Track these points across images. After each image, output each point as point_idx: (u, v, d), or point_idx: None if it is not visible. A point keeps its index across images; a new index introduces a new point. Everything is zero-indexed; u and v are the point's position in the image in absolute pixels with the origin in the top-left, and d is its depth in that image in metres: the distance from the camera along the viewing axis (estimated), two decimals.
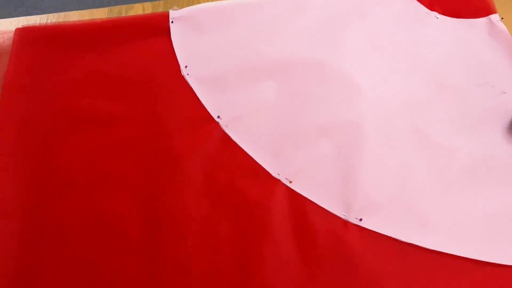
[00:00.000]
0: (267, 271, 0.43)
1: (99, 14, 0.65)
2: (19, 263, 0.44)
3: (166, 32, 0.61)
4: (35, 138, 0.52)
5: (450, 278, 0.42)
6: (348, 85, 0.55)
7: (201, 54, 0.59)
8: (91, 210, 0.47)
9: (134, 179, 0.49)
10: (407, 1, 0.63)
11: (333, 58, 0.58)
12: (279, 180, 0.49)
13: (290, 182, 0.49)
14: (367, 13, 0.62)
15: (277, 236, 0.45)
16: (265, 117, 0.54)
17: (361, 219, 0.46)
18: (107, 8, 0.65)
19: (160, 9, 0.65)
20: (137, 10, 0.65)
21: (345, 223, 0.46)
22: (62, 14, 0.65)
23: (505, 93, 0.54)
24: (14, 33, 0.61)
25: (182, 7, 0.64)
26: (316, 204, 0.47)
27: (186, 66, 0.58)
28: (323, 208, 0.47)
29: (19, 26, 0.63)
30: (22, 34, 0.61)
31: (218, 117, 0.54)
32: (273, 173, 0.49)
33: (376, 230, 0.45)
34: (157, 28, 0.61)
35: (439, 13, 0.62)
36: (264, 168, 0.50)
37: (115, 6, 0.66)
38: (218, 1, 0.64)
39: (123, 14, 0.65)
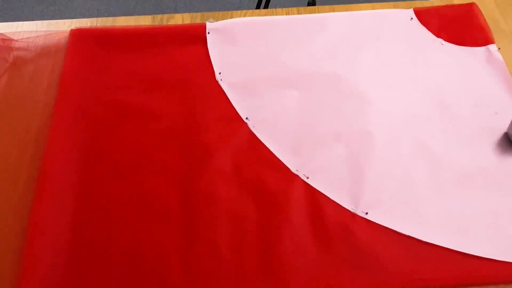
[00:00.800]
0: (285, 250, 0.51)
1: (143, 21, 0.73)
2: (74, 236, 0.52)
3: (203, 41, 0.69)
4: (88, 126, 0.60)
5: (439, 265, 0.50)
6: (360, 98, 0.64)
7: (233, 62, 0.67)
8: (136, 190, 0.55)
9: (173, 166, 0.57)
10: (417, 28, 0.72)
11: (348, 73, 0.66)
12: (297, 176, 0.57)
13: (307, 177, 0.56)
14: (381, 36, 0.70)
15: (294, 222, 0.53)
16: (287, 121, 0.61)
17: (367, 213, 0.53)
18: (151, 16, 0.74)
19: (197, 20, 0.73)
20: (177, 19, 0.74)
21: (353, 215, 0.53)
22: (110, 18, 0.74)
23: (497, 113, 0.62)
24: (69, 33, 0.70)
25: (217, 19, 0.72)
26: (328, 197, 0.55)
27: (220, 73, 0.66)
28: (334, 202, 0.54)
29: (73, 27, 0.71)
30: (76, 34, 0.70)
31: (247, 118, 0.61)
32: (293, 169, 0.57)
33: (379, 223, 0.53)
34: (195, 38, 0.69)
35: (444, 40, 0.71)
36: (284, 164, 0.57)
37: (158, 15, 0.74)
38: (250, 17, 0.73)
39: (165, 22, 0.73)
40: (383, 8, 0.74)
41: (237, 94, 0.64)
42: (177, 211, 0.53)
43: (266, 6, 1.22)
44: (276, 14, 0.74)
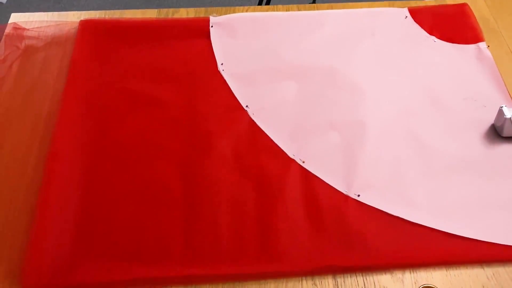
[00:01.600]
0: (281, 229, 0.53)
1: (150, 14, 0.77)
2: (82, 214, 0.54)
3: (206, 34, 0.73)
4: (95, 113, 0.63)
5: (426, 245, 0.52)
6: (355, 90, 0.67)
7: (235, 54, 0.70)
8: (141, 175, 0.58)
9: (177, 151, 0.60)
10: (411, 26, 0.75)
11: (344, 67, 0.69)
12: (294, 160, 0.60)
13: (303, 162, 0.59)
14: (376, 32, 0.74)
15: (290, 203, 0.55)
16: (285, 109, 0.65)
17: (359, 195, 0.56)
18: (156, 10, 0.77)
19: (201, 15, 0.77)
20: (182, 13, 0.77)
21: (346, 197, 0.56)
22: (117, 11, 0.77)
23: (485, 106, 0.65)
24: (79, 24, 0.73)
25: (220, 14, 0.76)
26: (323, 180, 0.57)
27: (222, 64, 0.69)
28: (328, 184, 0.57)
29: (82, 18, 0.75)
30: (85, 25, 0.73)
31: (247, 106, 0.65)
32: (289, 154, 0.60)
33: (370, 204, 0.55)
34: (199, 31, 0.73)
35: (437, 37, 0.74)
36: (282, 149, 0.60)
37: (163, 9, 0.78)
38: (251, 12, 0.76)
39: (170, 16, 0.77)
40: (379, 7, 0.78)
41: (238, 84, 0.67)
42: (181, 193, 0.56)
43: (267, 3, 1.26)
44: (277, 11, 0.77)
